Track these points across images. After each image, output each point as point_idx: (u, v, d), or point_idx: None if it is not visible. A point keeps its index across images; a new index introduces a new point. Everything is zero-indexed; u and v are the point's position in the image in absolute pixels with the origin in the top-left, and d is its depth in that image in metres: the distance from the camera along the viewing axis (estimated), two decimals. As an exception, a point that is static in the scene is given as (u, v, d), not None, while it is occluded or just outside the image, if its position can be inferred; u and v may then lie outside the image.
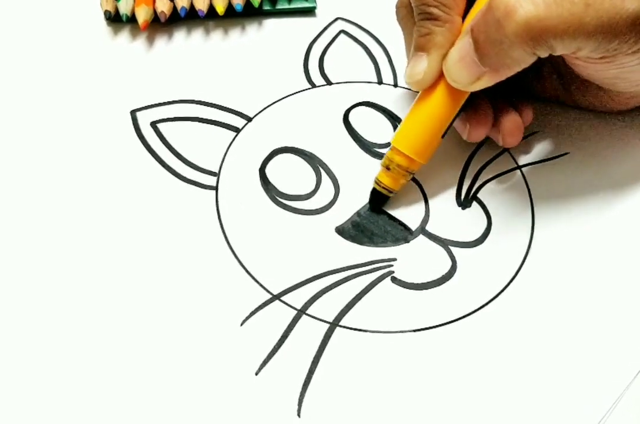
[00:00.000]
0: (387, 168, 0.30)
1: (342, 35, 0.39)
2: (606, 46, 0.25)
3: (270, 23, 0.39)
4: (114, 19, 0.38)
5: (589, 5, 0.24)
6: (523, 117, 0.31)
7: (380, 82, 0.37)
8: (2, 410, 0.24)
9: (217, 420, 0.25)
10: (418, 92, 0.30)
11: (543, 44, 0.24)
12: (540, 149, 0.33)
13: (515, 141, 0.31)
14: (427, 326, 0.27)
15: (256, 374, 0.26)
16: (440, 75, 0.28)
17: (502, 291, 0.29)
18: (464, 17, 0.29)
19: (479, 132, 0.31)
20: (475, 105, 0.30)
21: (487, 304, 0.28)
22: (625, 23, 0.24)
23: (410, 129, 0.29)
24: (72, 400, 0.25)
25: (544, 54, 0.25)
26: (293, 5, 0.40)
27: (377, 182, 0.30)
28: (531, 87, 0.34)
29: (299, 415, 0.25)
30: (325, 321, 0.27)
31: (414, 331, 0.27)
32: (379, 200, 0.31)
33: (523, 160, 0.33)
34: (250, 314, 0.27)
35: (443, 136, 0.30)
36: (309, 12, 0.40)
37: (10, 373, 0.25)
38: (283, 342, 0.27)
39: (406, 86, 0.36)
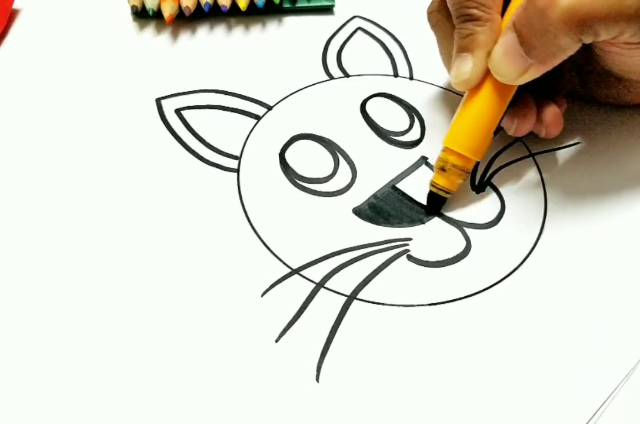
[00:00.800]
0: (442, 169, 0.30)
1: (359, 32, 0.40)
2: None
3: (289, 20, 0.41)
4: (140, 14, 0.40)
5: None
6: (560, 107, 0.32)
7: (396, 75, 0.38)
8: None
9: (240, 384, 0.25)
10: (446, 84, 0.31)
11: (588, 29, 0.25)
12: (553, 139, 0.34)
13: (557, 130, 0.32)
14: (442, 300, 0.28)
15: (276, 341, 0.26)
16: (486, 74, 0.29)
17: (514, 270, 0.29)
18: (502, 14, 0.29)
19: (526, 125, 0.31)
20: (520, 99, 0.31)
21: (500, 281, 0.29)
22: None
23: (462, 127, 0.30)
24: (97, 375, 0.26)
25: (588, 40, 0.26)
26: (312, 3, 0.41)
27: (432, 184, 0.31)
28: (550, 83, 0.35)
29: (317, 380, 0.26)
30: (343, 294, 0.28)
31: (429, 305, 0.28)
32: (436, 202, 0.31)
33: (535, 149, 0.34)
34: (270, 286, 0.28)
35: (496, 133, 0.30)
36: (327, 10, 0.42)
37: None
38: (302, 312, 0.27)
39: (421, 79, 0.38)
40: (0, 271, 0.28)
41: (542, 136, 0.33)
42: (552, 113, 0.32)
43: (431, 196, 0.31)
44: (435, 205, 0.31)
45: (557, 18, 0.25)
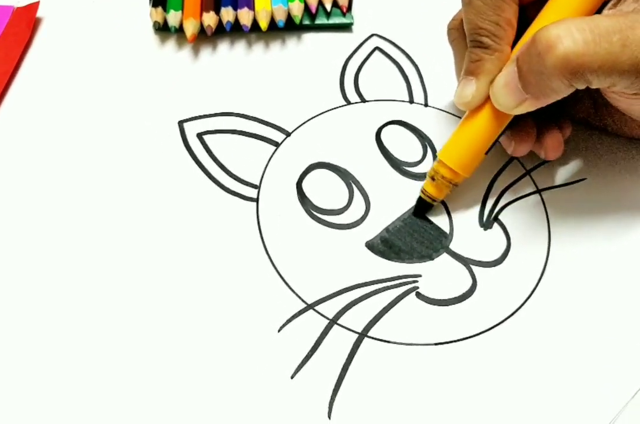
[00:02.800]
0: (432, 179, 0.33)
1: (376, 53, 0.41)
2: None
3: (309, 37, 0.41)
4: (162, 29, 0.40)
5: (625, 46, 0.25)
6: (563, 133, 0.34)
7: (411, 101, 0.39)
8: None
9: (256, 419, 0.27)
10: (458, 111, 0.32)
11: (580, 78, 0.26)
12: (559, 174, 0.36)
13: (556, 154, 0.34)
14: (448, 340, 0.30)
15: (292, 377, 0.28)
16: (487, 98, 0.31)
17: (517, 309, 0.31)
18: (513, 45, 0.31)
19: (523, 147, 0.33)
20: (520, 122, 0.32)
21: (503, 321, 0.31)
22: None
23: (456, 144, 0.32)
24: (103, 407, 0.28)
25: (580, 86, 0.27)
26: (331, 21, 0.42)
27: (422, 191, 0.33)
28: (564, 107, 0.36)
29: (329, 417, 0.28)
30: (354, 331, 0.30)
31: (435, 344, 0.30)
32: (423, 207, 0.34)
33: (542, 184, 0.35)
34: (287, 321, 0.30)
35: (487, 153, 0.32)
36: (346, 27, 0.42)
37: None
38: (316, 349, 0.29)
39: (436, 106, 0.39)
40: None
41: (542, 157, 0.34)
42: (553, 138, 0.33)
43: (419, 201, 0.34)
44: (422, 210, 0.34)
45: (552, 64, 0.26)
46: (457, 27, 0.34)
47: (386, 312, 0.30)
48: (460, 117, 0.37)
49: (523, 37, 0.31)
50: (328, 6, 0.41)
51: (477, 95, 0.31)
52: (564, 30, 0.26)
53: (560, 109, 0.34)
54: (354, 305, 0.31)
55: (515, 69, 0.28)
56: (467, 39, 0.31)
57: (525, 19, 0.31)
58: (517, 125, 0.32)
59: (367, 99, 0.38)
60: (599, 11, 0.29)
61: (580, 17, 0.27)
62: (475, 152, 0.32)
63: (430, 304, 0.31)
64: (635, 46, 0.26)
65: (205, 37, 0.40)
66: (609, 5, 0.29)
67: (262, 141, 0.36)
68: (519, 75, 0.28)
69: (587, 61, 0.26)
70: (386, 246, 0.33)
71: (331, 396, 0.28)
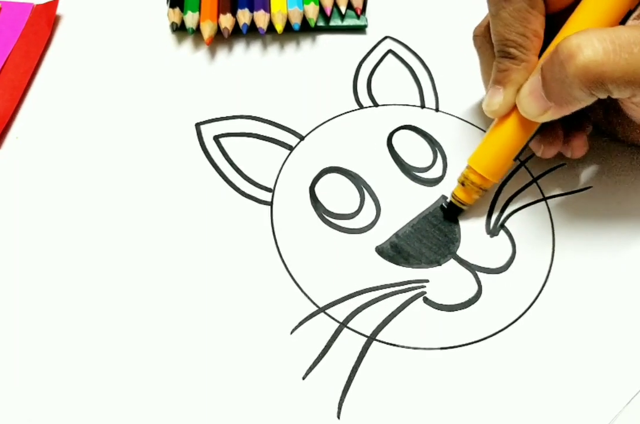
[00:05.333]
0: (462, 184, 0.34)
1: (389, 56, 0.42)
2: None
3: (323, 39, 0.42)
4: (179, 30, 0.41)
5: None
6: (585, 132, 0.35)
7: (422, 106, 0.40)
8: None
9: (269, 418, 0.29)
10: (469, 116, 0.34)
11: (600, 87, 0.27)
12: (565, 182, 0.37)
13: (582, 153, 0.35)
14: (453, 344, 0.31)
15: (303, 378, 0.30)
16: (515, 106, 0.32)
17: (521, 316, 0.32)
18: (540, 54, 0.31)
19: (551, 151, 0.34)
20: (548, 126, 0.33)
21: (507, 327, 0.32)
22: None
23: (486, 151, 0.33)
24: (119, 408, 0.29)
25: (602, 96, 0.28)
26: (345, 23, 0.42)
27: (453, 196, 0.34)
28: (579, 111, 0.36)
29: (338, 417, 0.29)
30: (363, 335, 0.31)
31: (441, 348, 0.31)
32: (454, 212, 0.35)
33: (549, 191, 0.36)
34: (299, 324, 0.31)
35: (515, 159, 0.33)
36: (360, 29, 0.43)
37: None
38: (327, 351, 0.31)
39: (447, 111, 0.39)
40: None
41: (567, 156, 0.35)
42: (579, 138, 0.34)
43: (450, 205, 0.35)
44: (453, 214, 0.35)
45: (573, 73, 0.27)
46: (483, 34, 0.34)
47: (394, 316, 0.32)
48: (471, 123, 0.38)
49: (549, 46, 0.31)
50: (343, 8, 0.42)
51: (504, 104, 0.32)
52: (585, 40, 0.27)
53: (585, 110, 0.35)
54: (364, 309, 0.32)
55: (539, 78, 0.29)
56: (494, 49, 0.32)
57: (553, 27, 0.31)
58: (546, 129, 0.33)
59: (379, 103, 0.39)
60: (623, 21, 0.30)
61: (603, 28, 0.28)
62: (504, 159, 0.33)
63: (437, 309, 0.32)
64: None
65: (222, 38, 0.41)
66: (634, 15, 0.30)
67: (277, 144, 0.37)
68: (543, 83, 0.29)
69: (607, 71, 0.26)
70: (395, 251, 0.34)
71: (340, 397, 0.29)
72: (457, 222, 0.35)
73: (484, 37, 0.34)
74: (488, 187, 0.34)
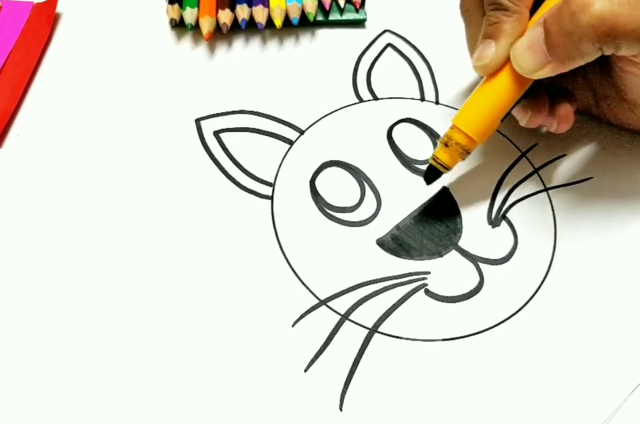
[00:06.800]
0: (445, 145, 0.32)
1: (389, 49, 0.42)
2: None
3: (322, 33, 0.42)
4: (178, 26, 0.41)
5: None
6: (572, 105, 0.34)
7: (422, 98, 0.39)
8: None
9: (271, 410, 0.29)
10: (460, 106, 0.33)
11: (611, 41, 0.27)
12: (566, 172, 0.37)
13: (567, 126, 0.34)
14: (455, 336, 0.31)
15: (305, 371, 0.30)
16: (506, 62, 0.31)
17: (522, 307, 0.32)
18: (532, 11, 0.31)
19: (538, 118, 0.33)
20: (534, 94, 0.32)
21: (509, 318, 0.32)
22: None
23: (473, 110, 0.31)
24: (125, 401, 0.29)
25: (609, 51, 0.27)
26: (344, 17, 0.42)
27: (434, 158, 0.33)
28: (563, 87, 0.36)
29: (340, 409, 0.29)
30: (365, 327, 0.31)
31: (443, 340, 0.31)
32: (433, 175, 0.33)
33: (550, 182, 0.36)
34: (300, 316, 0.31)
35: (503, 120, 0.32)
36: (359, 23, 0.43)
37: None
38: (328, 344, 0.31)
39: (447, 104, 0.39)
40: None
41: (552, 130, 0.34)
42: (565, 109, 0.33)
43: (430, 168, 0.33)
44: (432, 177, 0.34)
45: (586, 22, 0.26)
46: None
47: (396, 308, 0.32)
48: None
49: (545, 2, 0.31)
50: (342, 2, 0.42)
51: (495, 57, 0.30)
52: None
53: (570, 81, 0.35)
54: (365, 301, 0.32)
55: (541, 31, 0.28)
56: (484, 4, 0.31)
57: None
58: (532, 96, 0.32)
59: (379, 97, 0.39)
60: None
61: None
62: (493, 119, 0.31)
63: (439, 300, 0.32)
64: None
65: (221, 34, 0.41)
66: None
67: (277, 138, 0.37)
68: (546, 36, 0.28)
69: (622, 22, 0.26)
70: (396, 243, 0.34)
71: (343, 389, 0.29)
72: (458, 213, 0.35)
73: (471, 1, 0.34)
74: (472, 148, 0.32)
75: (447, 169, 0.33)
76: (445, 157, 0.32)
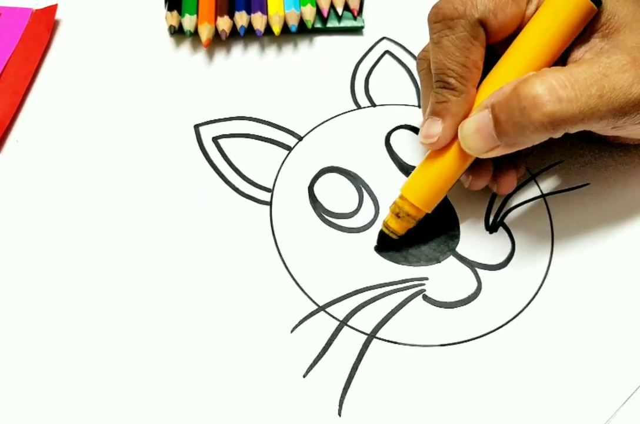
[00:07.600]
0: (397, 216, 0.33)
1: (386, 56, 0.42)
2: (615, 123, 0.28)
3: (320, 40, 0.42)
4: (177, 33, 0.41)
5: (602, 96, 0.27)
6: (517, 171, 0.34)
7: (419, 105, 0.40)
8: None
9: (270, 415, 0.29)
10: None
11: (562, 130, 0.28)
12: (563, 179, 0.37)
13: (509, 191, 0.34)
14: (453, 341, 0.31)
15: (304, 376, 0.30)
16: (453, 138, 0.31)
17: (520, 312, 0.32)
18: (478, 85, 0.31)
19: (480, 183, 0.33)
20: (478, 160, 0.32)
21: (506, 323, 0.32)
22: (632, 104, 0.27)
23: (420, 181, 0.32)
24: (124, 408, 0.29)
25: (558, 136, 0.28)
26: (342, 24, 0.43)
27: (385, 226, 0.33)
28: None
29: (339, 414, 0.29)
30: (363, 333, 0.31)
31: (441, 345, 0.31)
32: (387, 242, 0.34)
33: (547, 188, 0.37)
34: (299, 322, 0.31)
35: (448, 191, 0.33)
36: (357, 30, 0.43)
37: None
38: (327, 349, 0.31)
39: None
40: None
41: (494, 190, 0.35)
42: (508, 176, 0.34)
43: (382, 235, 0.34)
44: (385, 244, 0.34)
45: (538, 120, 0.27)
46: (426, 57, 0.34)
47: (394, 314, 0.32)
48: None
49: (487, 78, 0.31)
50: (340, 10, 0.42)
51: (443, 136, 0.31)
52: (548, 89, 0.27)
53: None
54: (363, 307, 0.32)
55: (489, 117, 0.29)
56: (433, 79, 0.31)
57: (489, 59, 0.31)
58: (475, 162, 0.32)
59: (376, 103, 0.40)
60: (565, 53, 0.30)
61: (558, 69, 0.28)
62: (439, 191, 0.32)
63: (437, 306, 0.32)
64: (611, 94, 0.27)
65: (220, 40, 0.41)
66: (577, 43, 0.30)
67: (275, 145, 0.37)
68: (496, 123, 0.28)
69: (570, 116, 0.27)
70: (394, 249, 0.34)
71: (341, 394, 0.30)
72: (456, 219, 0.35)
73: (427, 62, 0.33)
74: (420, 217, 0.33)
75: (398, 236, 0.33)
76: (396, 226, 0.33)
